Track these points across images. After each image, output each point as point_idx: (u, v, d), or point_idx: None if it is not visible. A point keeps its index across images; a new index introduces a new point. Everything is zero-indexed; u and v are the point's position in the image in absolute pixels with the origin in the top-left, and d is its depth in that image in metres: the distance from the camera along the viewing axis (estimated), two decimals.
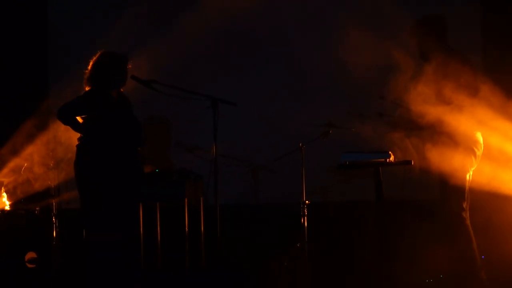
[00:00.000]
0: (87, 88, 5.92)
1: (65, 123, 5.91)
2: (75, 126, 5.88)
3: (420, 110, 5.79)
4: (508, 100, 6.02)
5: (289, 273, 6.68)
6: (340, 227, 7.25)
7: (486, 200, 6.40)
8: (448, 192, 5.86)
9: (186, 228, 6.30)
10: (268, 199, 7.61)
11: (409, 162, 5.72)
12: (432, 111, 5.75)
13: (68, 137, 6.74)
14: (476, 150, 5.81)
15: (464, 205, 5.83)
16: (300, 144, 6.73)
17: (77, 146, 5.89)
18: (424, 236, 6.25)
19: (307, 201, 6.68)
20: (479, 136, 5.84)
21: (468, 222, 5.82)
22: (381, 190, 5.66)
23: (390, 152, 5.71)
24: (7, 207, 6.97)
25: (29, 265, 6.64)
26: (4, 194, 7.01)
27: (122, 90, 6.03)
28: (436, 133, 5.85)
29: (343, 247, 7.11)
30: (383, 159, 5.64)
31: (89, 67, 5.94)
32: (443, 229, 5.89)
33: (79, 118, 5.88)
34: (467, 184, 5.85)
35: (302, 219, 6.70)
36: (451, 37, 6.05)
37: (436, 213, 6.05)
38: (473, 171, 5.89)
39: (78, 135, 5.92)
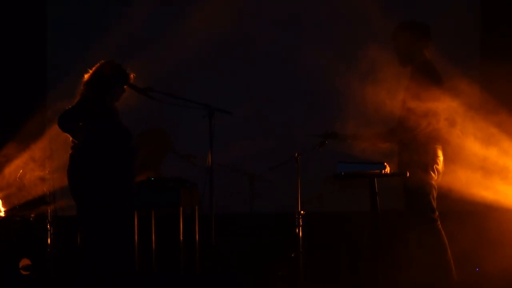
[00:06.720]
0: (79, 95, 5.83)
1: (65, 130, 5.76)
2: (75, 133, 5.76)
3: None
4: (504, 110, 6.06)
5: (284, 283, 6.67)
6: (336, 237, 7.24)
7: (485, 212, 6.42)
8: (408, 202, 5.88)
9: (181, 237, 6.29)
10: (263, 209, 7.60)
11: (404, 174, 5.72)
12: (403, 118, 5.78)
13: (63, 144, 6.74)
14: (434, 163, 5.80)
15: (431, 215, 5.82)
16: (296, 154, 6.72)
17: (71, 154, 5.80)
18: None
19: (302, 212, 6.67)
20: (439, 150, 5.84)
21: (438, 232, 5.80)
22: (376, 201, 5.65)
23: (385, 163, 5.71)
24: (2, 214, 6.96)
25: (24, 272, 6.63)
26: None
27: None
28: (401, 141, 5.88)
29: (338, 258, 7.10)
30: (379, 170, 5.63)
31: (90, 75, 5.78)
32: (417, 238, 5.88)
33: None
34: (431, 194, 5.82)
35: (297, 229, 6.69)
36: (448, 44, 6.07)
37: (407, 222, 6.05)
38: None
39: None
